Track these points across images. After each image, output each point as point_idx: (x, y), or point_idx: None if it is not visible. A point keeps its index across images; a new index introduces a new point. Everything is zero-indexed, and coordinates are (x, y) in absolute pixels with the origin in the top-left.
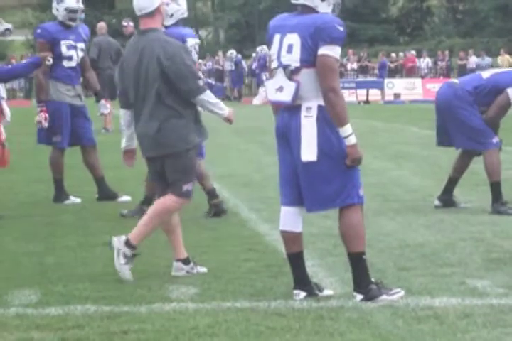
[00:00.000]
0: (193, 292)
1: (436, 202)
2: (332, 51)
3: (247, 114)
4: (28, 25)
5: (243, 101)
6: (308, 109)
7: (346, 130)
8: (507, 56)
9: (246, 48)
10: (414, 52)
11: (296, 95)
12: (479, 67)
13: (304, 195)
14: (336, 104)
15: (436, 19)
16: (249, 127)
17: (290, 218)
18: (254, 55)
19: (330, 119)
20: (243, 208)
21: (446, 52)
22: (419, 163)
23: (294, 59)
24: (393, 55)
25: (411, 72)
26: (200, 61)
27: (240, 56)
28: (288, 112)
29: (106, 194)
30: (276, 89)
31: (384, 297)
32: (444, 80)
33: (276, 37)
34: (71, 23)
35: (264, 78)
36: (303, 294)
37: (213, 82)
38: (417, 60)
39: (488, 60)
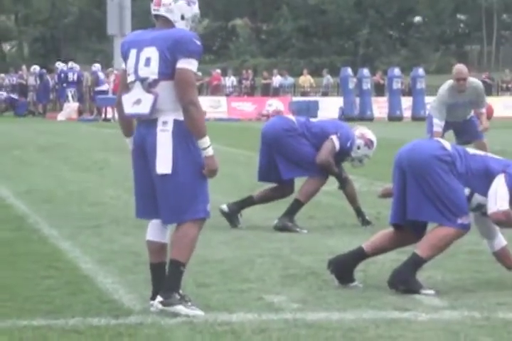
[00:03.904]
0: None
1: (224, 207)
2: (190, 64)
3: (52, 130)
4: None
5: (47, 116)
6: (165, 123)
7: (205, 142)
8: (308, 76)
9: (51, 62)
10: (219, 71)
11: (154, 107)
12: (282, 87)
13: (160, 208)
14: (196, 117)
15: (241, 39)
16: (53, 143)
17: (157, 229)
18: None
19: (186, 133)
20: (44, 225)
21: (250, 71)
22: (218, 180)
23: (151, 72)
24: (199, 73)
25: (216, 90)
26: (3, 75)
27: (43, 70)
28: (144, 126)
29: None
30: (134, 102)
31: (180, 307)
32: (249, 99)
33: (133, 52)
34: None
35: (68, 93)
36: (160, 306)
37: (16, 97)
38: (222, 78)
39: (290, 79)
